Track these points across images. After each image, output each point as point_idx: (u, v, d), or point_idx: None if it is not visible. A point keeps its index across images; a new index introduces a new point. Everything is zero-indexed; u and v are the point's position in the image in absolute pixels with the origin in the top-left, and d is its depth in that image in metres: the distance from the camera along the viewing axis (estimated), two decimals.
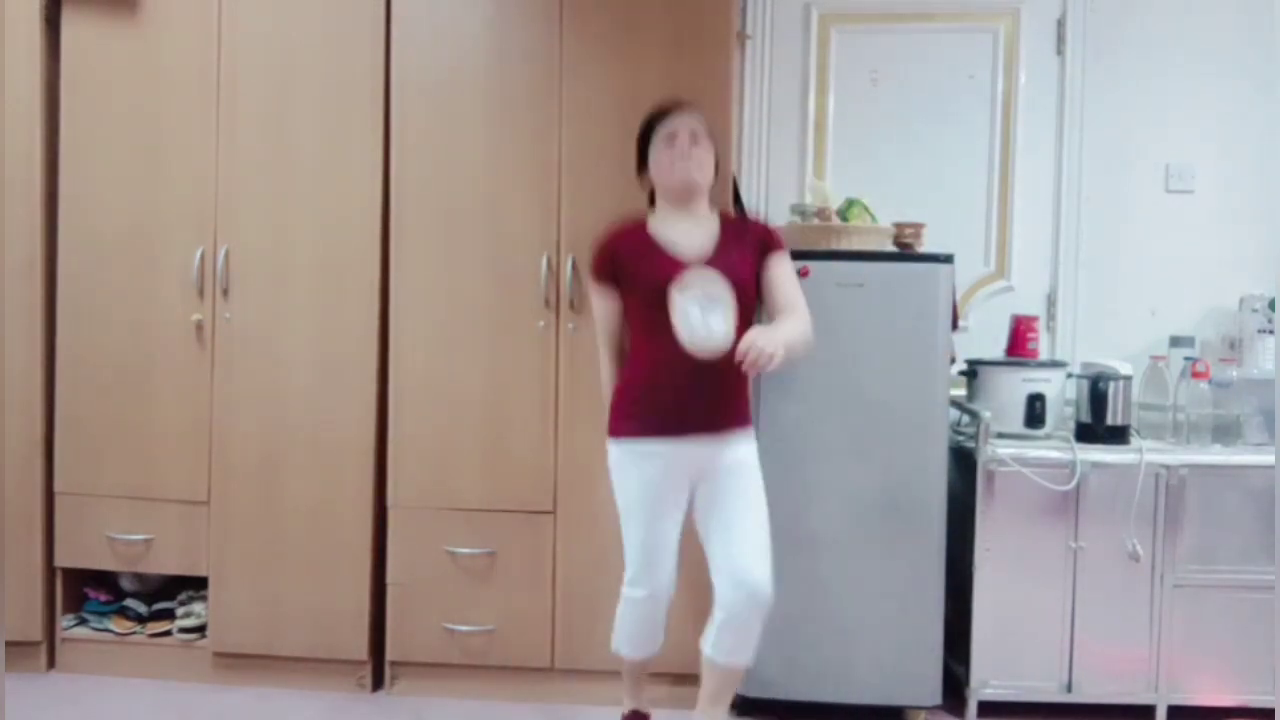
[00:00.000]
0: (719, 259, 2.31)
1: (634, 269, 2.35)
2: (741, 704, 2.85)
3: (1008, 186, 3.38)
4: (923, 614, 2.79)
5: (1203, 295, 3.29)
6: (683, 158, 2.34)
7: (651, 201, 2.47)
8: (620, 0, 2.86)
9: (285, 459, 2.96)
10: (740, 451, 2.37)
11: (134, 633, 3.06)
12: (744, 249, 2.36)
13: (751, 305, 2.34)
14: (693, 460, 2.35)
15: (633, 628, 2.47)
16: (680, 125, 2.37)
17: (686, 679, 2.76)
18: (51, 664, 3.07)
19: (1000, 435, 2.90)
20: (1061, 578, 2.83)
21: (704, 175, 2.38)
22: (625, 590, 2.44)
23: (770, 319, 2.36)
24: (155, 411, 2.99)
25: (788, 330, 2.24)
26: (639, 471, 2.36)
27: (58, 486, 3.03)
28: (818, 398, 2.79)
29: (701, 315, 2.16)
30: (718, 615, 2.32)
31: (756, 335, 2.11)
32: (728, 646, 2.33)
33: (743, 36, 3.34)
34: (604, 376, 2.50)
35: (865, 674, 2.80)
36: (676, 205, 2.39)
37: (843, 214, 3.02)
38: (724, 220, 2.44)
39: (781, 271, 2.39)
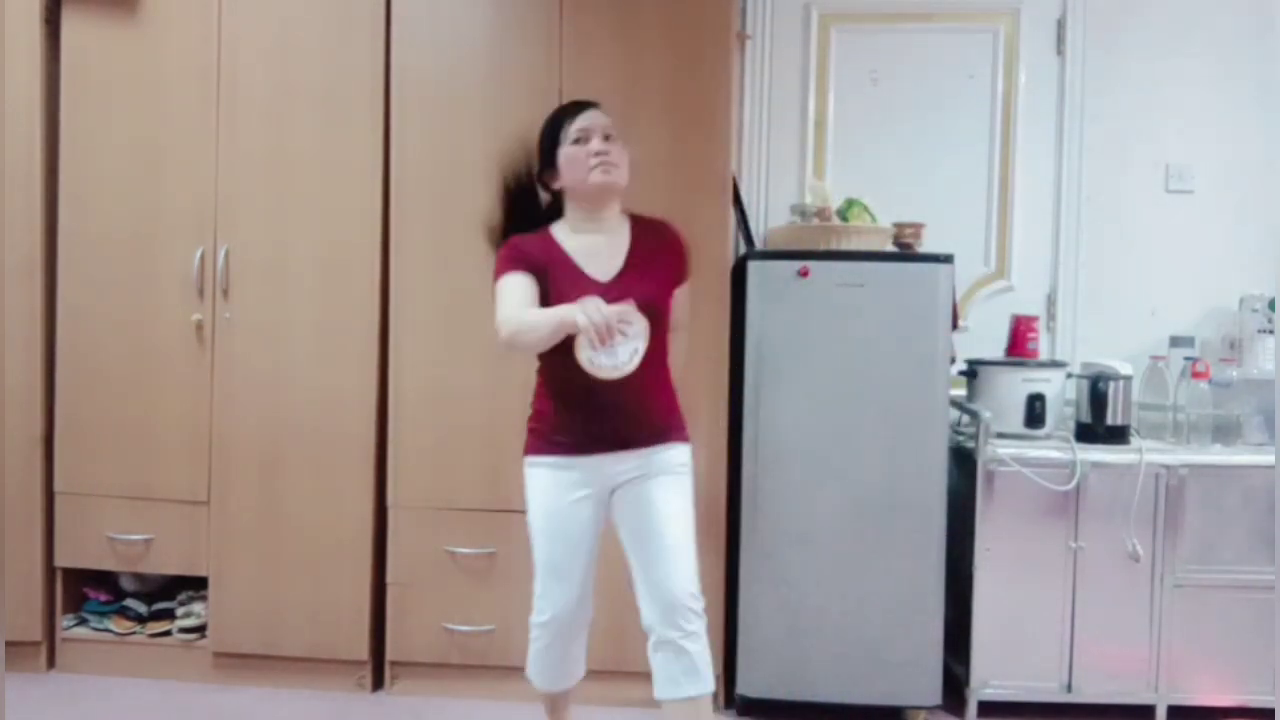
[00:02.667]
0: (629, 278, 2.15)
1: (548, 284, 2.13)
2: (741, 704, 2.85)
3: (1008, 186, 3.38)
4: (923, 614, 2.79)
5: (1203, 295, 3.29)
6: (601, 159, 2.15)
7: (555, 208, 2.28)
8: (620, 1, 2.86)
9: (285, 459, 2.96)
10: (658, 461, 2.20)
11: (134, 633, 3.07)
12: (661, 261, 2.22)
13: (663, 318, 2.18)
14: (605, 476, 2.20)
15: (536, 654, 2.31)
16: (594, 123, 2.18)
17: None
18: (51, 664, 3.07)
19: (1000, 435, 2.89)
20: (1061, 578, 2.83)
21: (624, 176, 2.19)
22: (532, 616, 2.28)
23: None
24: (155, 411, 2.99)
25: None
26: (542, 486, 2.21)
27: (58, 486, 3.03)
28: (818, 397, 2.79)
29: (608, 347, 1.98)
30: (651, 642, 2.13)
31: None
32: (672, 676, 2.11)
33: (743, 36, 3.34)
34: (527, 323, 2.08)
35: (865, 674, 2.80)
36: (589, 211, 2.20)
37: (843, 214, 3.02)
38: (635, 226, 2.24)
39: (680, 297, 2.28)
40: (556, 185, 2.25)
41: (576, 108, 2.24)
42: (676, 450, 2.24)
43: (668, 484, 2.20)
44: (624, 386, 2.06)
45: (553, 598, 2.23)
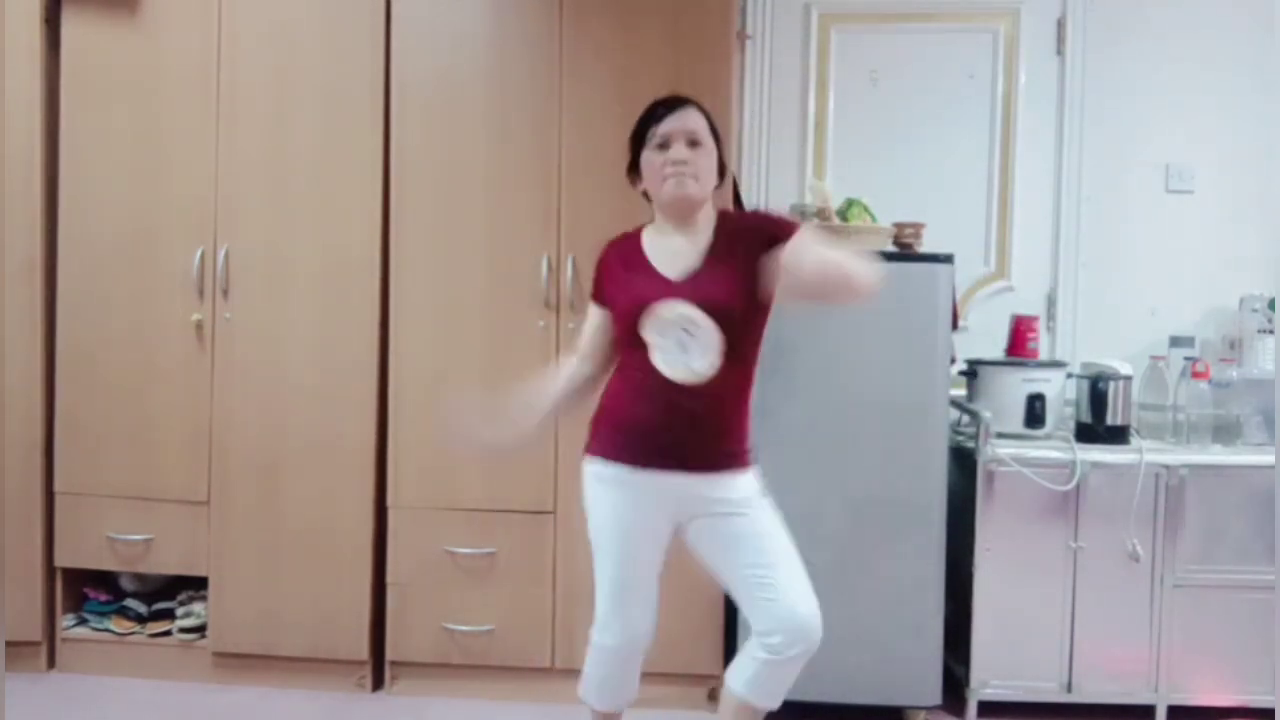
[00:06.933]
0: (702, 279, 2.04)
1: (616, 288, 2.12)
2: None
3: (1008, 186, 3.38)
4: (923, 614, 2.79)
5: (1203, 295, 3.29)
6: (676, 170, 2.04)
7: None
8: (620, 1, 2.86)
9: (285, 459, 2.95)
10: (738, 490, 2.09)
11: (134, 633, 3.06)
12: (740, 254, 2.04)
13: (744, 321, 2.05)
14: (671, 498, 2.08)
15: (601, 677, 2.20)
16: (676, 127, 2.06)
17: (687, 679, 2.77)
18: (51, 664, 3.07)
19: (1000, 435, 2.89)
20: (1061, 578, 2.83)
21: (702, 188, 2.07)
22: (593, 635, 2.16)
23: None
24: (155, 411, 2.99)
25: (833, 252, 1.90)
26: (609, 499, 2.10)
27: (58, 486, 3.03)
28: (818, 397, 2.79)
29: (679, 349, 1.96)
30: (759, 654, 2.07)
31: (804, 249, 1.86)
32: (767, 689, 2.10)
33: (743, 36, 3.34)
34: (554, 373, 2.28)
35: (865, 674, 2.80)
36: (671, 218, 2.10)
37: (843, 214, 3.02)
38: (720, 224, 2.12)
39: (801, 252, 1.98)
40: (640, 188, 2.17)
41: (667, 107, 2.11)
42: (746, 479, 2.11)
43: (758, 511, 2.09)
44: (700, 401, 1.99)
45: (626, 620, 2.11)
